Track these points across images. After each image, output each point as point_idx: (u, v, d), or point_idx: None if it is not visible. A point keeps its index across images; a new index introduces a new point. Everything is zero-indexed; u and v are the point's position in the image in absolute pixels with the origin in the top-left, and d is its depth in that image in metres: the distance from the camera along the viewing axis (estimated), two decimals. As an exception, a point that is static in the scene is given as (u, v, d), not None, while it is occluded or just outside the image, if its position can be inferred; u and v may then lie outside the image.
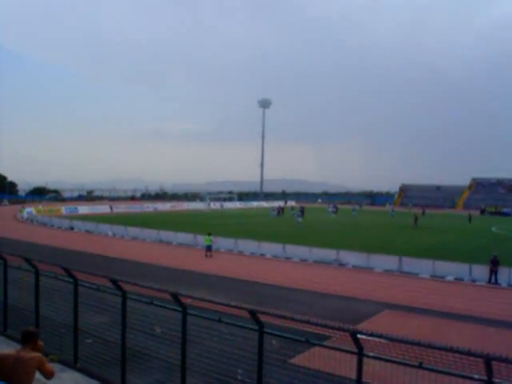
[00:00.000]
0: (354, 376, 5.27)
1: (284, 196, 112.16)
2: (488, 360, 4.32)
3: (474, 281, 20.02)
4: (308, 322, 5.52)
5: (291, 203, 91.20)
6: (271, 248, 26.77)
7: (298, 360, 6.56)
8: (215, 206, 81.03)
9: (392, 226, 47.77)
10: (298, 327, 5.87)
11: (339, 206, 73.54)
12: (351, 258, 23.80)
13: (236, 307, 6.21)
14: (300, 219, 47.28)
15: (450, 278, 20.47)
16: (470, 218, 54.32)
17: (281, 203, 78.47)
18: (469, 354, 4.36)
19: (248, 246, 27.82)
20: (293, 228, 43.22)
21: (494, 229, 46.79)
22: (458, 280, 20.20)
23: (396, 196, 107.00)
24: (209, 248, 25.76)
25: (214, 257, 25.63)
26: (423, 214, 64.95)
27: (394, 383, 5.41)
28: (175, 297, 6.74)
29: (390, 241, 33.73)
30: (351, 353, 5.27)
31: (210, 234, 26.29)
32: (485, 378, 4.42)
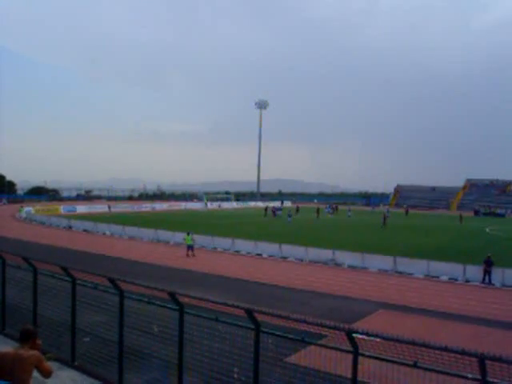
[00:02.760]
0: (349, 375, 5.32)
1: (280, 196, 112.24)
2: (482, 359, 4.36)
3: (467, 281, 20.17)
4: (304, 321, 5.57)
5: (287, 203, 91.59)
6: (267, 248, 26.83)
7: (293, 359, 6.60)
8: (212, 206, 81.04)
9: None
10: (293, 326, 5.92)
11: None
12: (347, 257, 23.89)
13: (233, 306, 6.25)
14: (290, 219, 49.43)
15: (444, 277, 20.61)
16: (460, 219, 55.26)
17: (275, 204, 78.54)
18: (463, 353, 4.41)
19: (244, 245, 27.88)
20: (288, 227, 43.49)
21: (487, 229, 47.04)
22: (452, 280, 20.35)
23: (391, 197, 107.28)
24: (190, 247, 25.62)
25: (211, 256, 25.66)
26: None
27: (388, 382, 5.47)
28: (173, 295, 6.78)
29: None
30: (347, 352, 5.33)
31: (188, 234, 26.04)
32: (479, 377, 4.48)
